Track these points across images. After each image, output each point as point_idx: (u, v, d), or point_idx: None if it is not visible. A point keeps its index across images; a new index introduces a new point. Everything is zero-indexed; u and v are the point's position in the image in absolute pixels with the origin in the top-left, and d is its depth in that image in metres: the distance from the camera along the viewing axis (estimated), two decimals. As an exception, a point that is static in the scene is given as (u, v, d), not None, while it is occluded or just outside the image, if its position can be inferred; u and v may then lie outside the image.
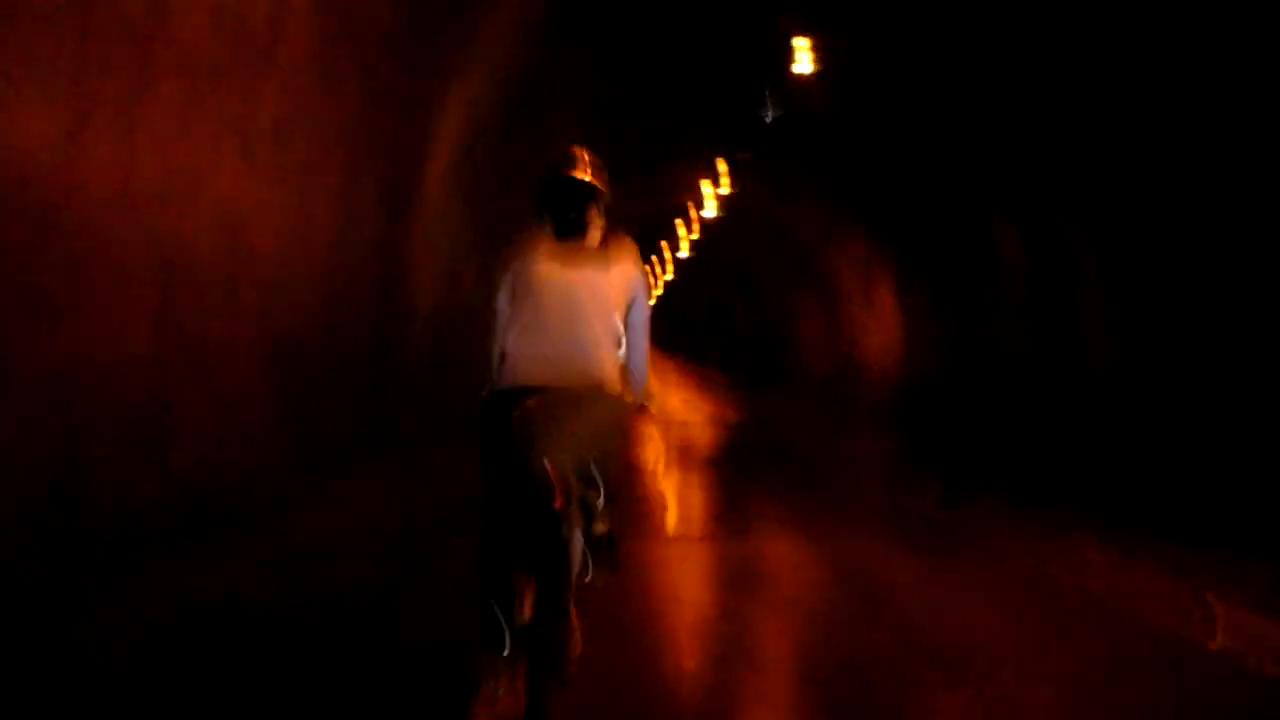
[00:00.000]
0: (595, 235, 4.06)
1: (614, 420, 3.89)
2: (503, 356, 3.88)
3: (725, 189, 22.98)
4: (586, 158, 4.10)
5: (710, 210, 25.42)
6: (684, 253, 34.21)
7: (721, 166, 22.04)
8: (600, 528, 3.81)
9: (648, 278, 4.35)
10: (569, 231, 3.99)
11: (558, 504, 3.52)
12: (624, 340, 4.03)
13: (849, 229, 22.83)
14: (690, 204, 27.04)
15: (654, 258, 40.43)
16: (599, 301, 3.89)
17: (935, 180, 16.92)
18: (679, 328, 70.76)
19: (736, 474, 12.88)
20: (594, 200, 4.05)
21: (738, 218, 27.21)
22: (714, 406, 22.60)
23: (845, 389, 25.49)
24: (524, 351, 3.81)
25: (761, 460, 14.58)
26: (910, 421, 19.19)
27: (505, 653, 3.61)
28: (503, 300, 3.99)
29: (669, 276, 43.62)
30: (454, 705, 3.74)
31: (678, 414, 21.39)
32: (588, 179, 4.04)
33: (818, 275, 27.06)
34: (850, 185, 20.43)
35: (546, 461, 3.45)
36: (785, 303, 32.16)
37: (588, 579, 3.92)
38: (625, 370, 4.07)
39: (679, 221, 31.21)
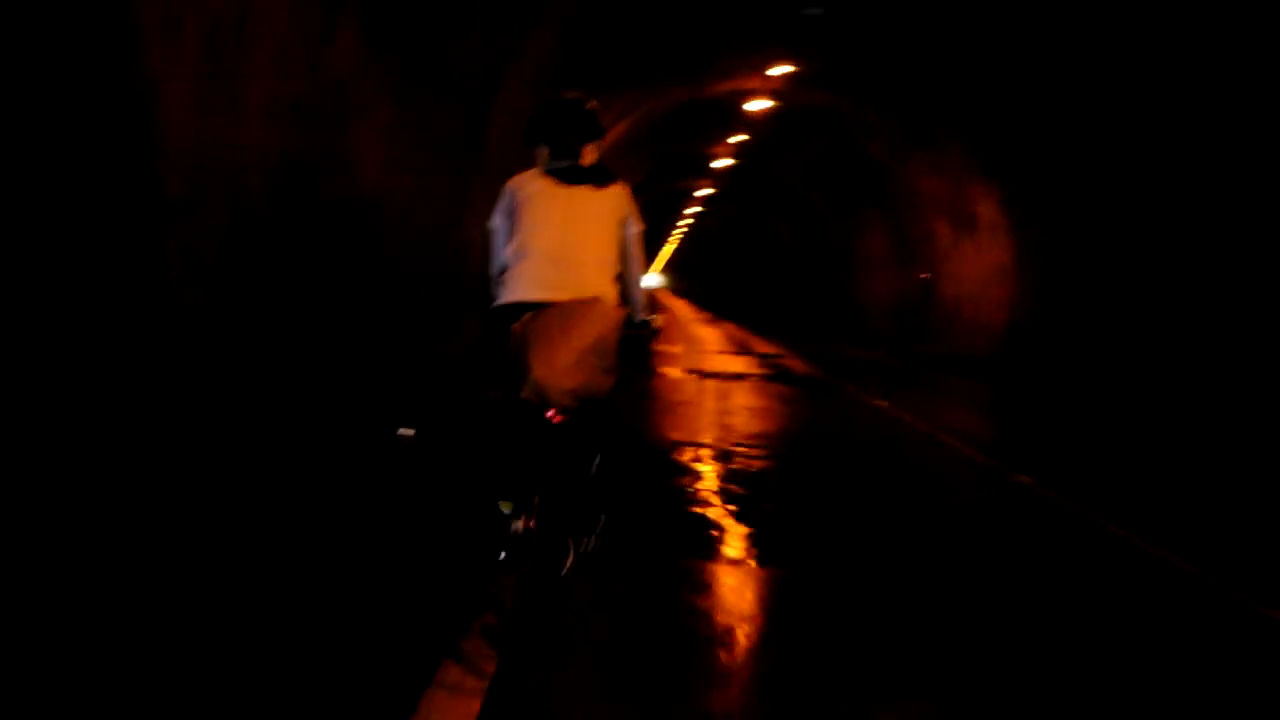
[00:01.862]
0: (590, 156, 4.09)
1: (608, 332, 3.75)
2: (502, 271, 3.94)
3: (782, 69, 17.92)
4: (577, 95, 4.18)
5: (761, 104, 20.40)
6: (722, 162, 29.21)
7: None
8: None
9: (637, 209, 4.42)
10: (564, 151, 4.04)
11: (551, 415, 3.63)
12: (627, 255, 4.12)
13: (939, 139, 17.83)
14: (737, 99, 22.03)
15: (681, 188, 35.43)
16: (594, 217, 3.94)
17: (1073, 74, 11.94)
18: (709, 265, 65.97)
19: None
20: (588, 121, 4.09)
21: (792, 121, 22.19)
22: (743, 365, 17.60)
23: (926, 341, 20.63)
24: (521, 267, 3.84)
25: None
26: (1030, 388, 14.36)
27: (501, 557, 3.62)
28: (498, 219, 4.03)
29: (705, 192, 38.49)
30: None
31: (692, 382, 15.81)
32: (575, 99, 4.12)
33: (889, 194, 22.06)
34: (938, 83, 15.50)
35: (540, 377, 3.54)
36: (846, 228, 27.15)
37: (568, 561, 3.79)
38: (624, 287, 4.16)
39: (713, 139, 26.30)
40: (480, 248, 12.12)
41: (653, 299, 63.98)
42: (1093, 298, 13.90)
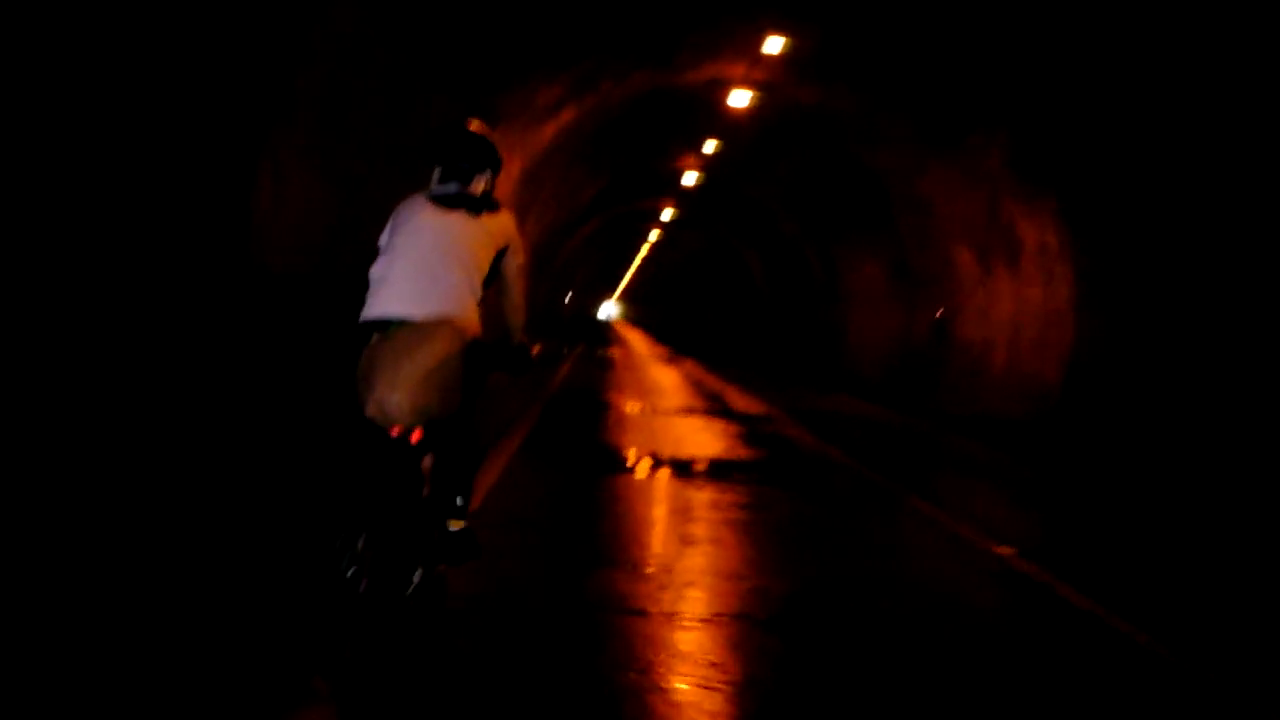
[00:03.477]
0: (478, 185, 4.13)
1: (454, 353, 3.77)
2: (369, 287, 3.97)
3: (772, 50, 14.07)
4: (478, 124, 4.27)
5: (743, 98, 16.50)
6: (691, 175, 25.26)
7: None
8: (455, 524, 4.10)
9: (522, 240, 4.43)
10: (453, 174, 4.11)
11: (395, 431, 3.66)
12: (503, 283, 4.21)
13: (968, 144, 13.97)
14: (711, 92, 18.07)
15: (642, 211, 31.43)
16: (463, 243, 3.96)
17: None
18: (670, 295, 62.01)
19: None
20: (480, 151, 4.15)
21: (776, 126, 18.30)
22: (721, 438, 10.87)
23: (937, 393, 16.67)
24: (384, 281, 3.89)
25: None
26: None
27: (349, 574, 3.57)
28: (383, 239, 4.07)
29: (669, 214, 34.55)
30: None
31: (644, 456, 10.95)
32: (476, 129, 4.21)
33: (892, 217, 18.17)
34: (974, 70, 11.67)
35: (383, 395, 3.61)
36: (832, 258, 23.24)
37: (415, 579, 3.89)
38: (502, 313, 4.28)
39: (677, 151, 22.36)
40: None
41: (606, 330, 60.08)
42: (1195, 347, 10.01)
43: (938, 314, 17.21)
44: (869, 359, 21.42)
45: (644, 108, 17.24)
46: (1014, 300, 14.46)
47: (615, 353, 30.15)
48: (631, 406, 13.81)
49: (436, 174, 4.13)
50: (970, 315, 16.01)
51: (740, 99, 16.61)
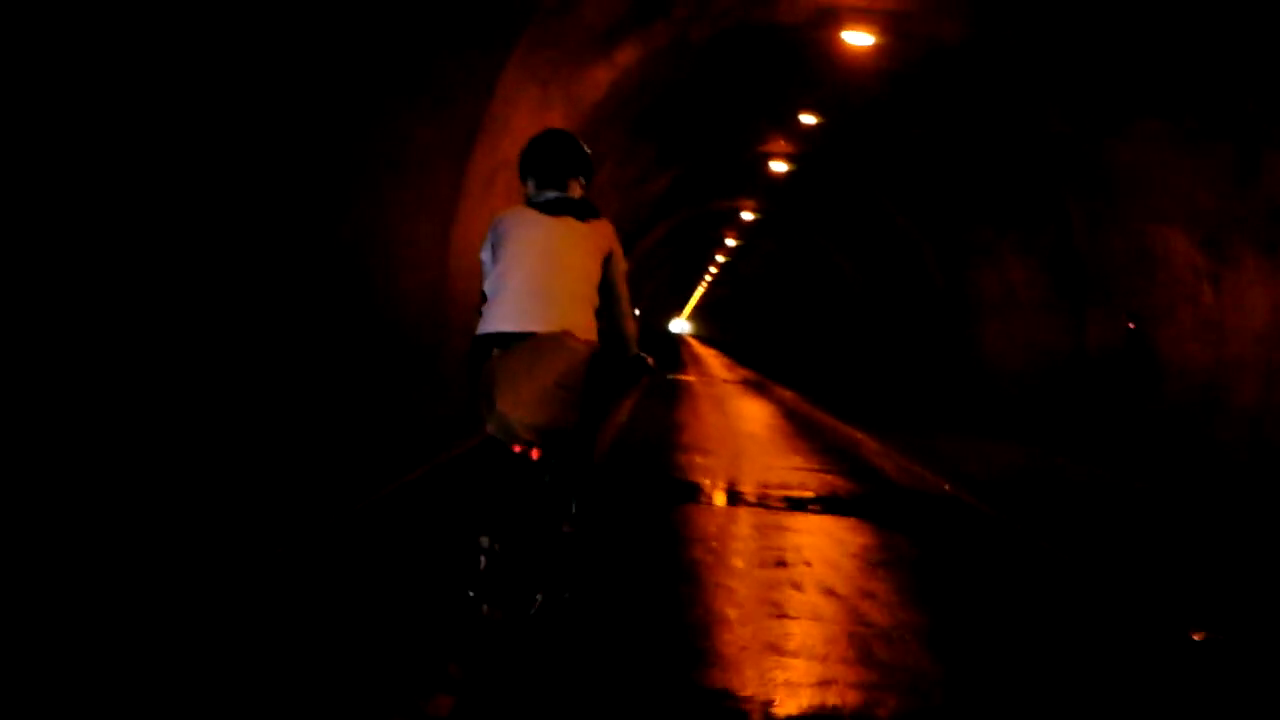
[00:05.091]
0: (576, 190, 4.10)
1: (576, 366, 3.65)
2: (483, 303, 3.95)
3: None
4: (565, 131, 4.34)
5: (862, 37, 12.32)
6: (779, 164, 20.97)
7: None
8: (565, 527, 3.92)
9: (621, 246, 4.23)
10: (550, 181, 4.07)
11: (516, 449, 3.66)
12: (612, 290, 4.09)
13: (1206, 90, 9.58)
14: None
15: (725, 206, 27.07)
16: (573, 250, 3.92)
17: None
18: (747, 310, 56.48)
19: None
20: (577, 156, 4.13)
21: (899, 79, 14.04)
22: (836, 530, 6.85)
23: (1143, 437, 12.15)
24: (499, 298, 3.85)
25: None
26: None
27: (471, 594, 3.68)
28: (485, 252, 4.04)
29: (747, 216, 30.26)
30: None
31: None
32: (566, 134, 4.26)
33: (1062, 191, 13.74)
34: None
35: (504, 411, 3.53)
36: (963, 253, 18.77)
37: (537, 599, 3.79)
38: (614, 320, 4.14)
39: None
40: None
41: (680, 345, 55.83)
42: None
43: (1129, 325, 12.73)
44: (1009, 380, 16.93)
45: (728, 53, 13.03)
46: (1273, 305, 9.99)
47: (689, 378, 25.80)
48: (721, 484, 8.33)
49: (532, 184, 4.10)
50: (1188, 325, 11.52)
51: (858, 38, 12.37)
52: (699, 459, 9.80)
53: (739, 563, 5.68)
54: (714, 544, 6.13)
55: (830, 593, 5.17)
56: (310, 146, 5.85)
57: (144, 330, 4.87)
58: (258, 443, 5.85)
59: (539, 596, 3.78)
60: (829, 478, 9.03)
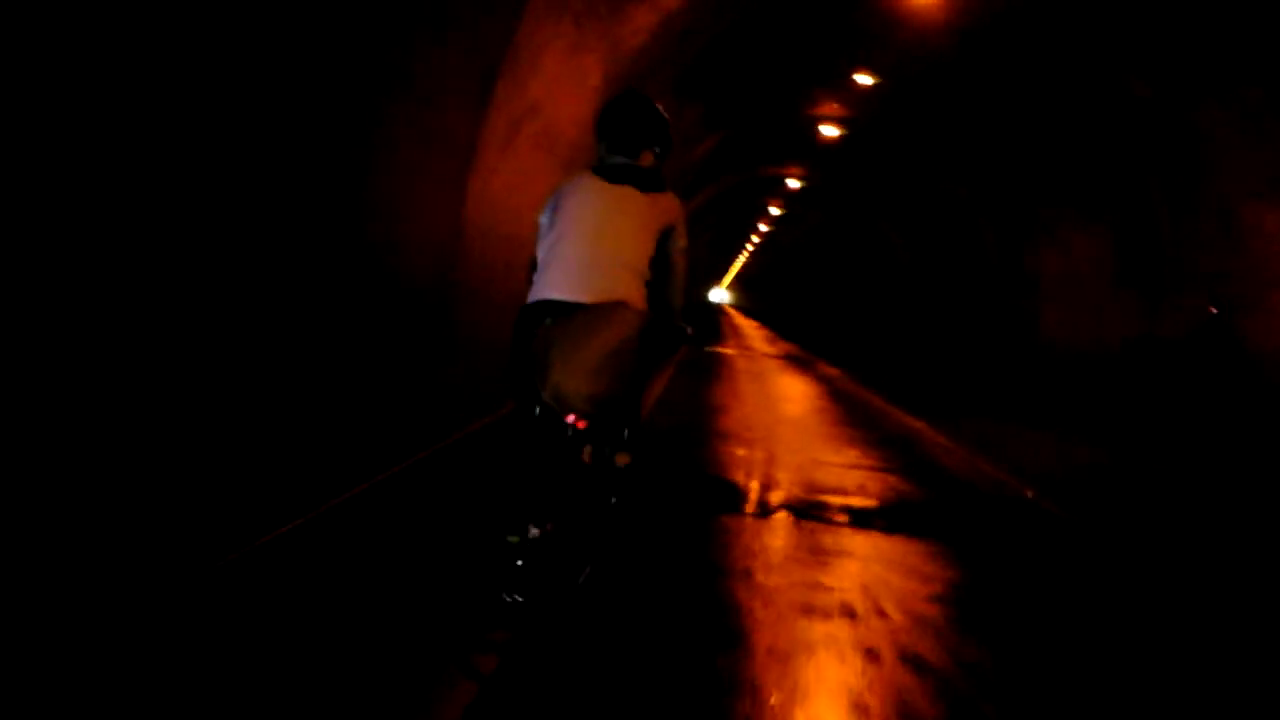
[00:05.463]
0: (647, 159, 3.96)
1: (630, 338, 3.58)
2: (535, 267, 3.84)
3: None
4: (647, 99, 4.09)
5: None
6: (830, 129, 19.85)
7: None
8: (622, 458, 3.92)
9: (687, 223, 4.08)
10: (621, 147, 3.93)
11: (571, 419, 3.60)
12: (666, 264, 3.93)
13: None
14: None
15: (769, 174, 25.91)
16: (631, 220, 3.80)
17: None
18: (789, 281, 54.97)
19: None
20: (650, 123, 3.97)
21: (969, 35, 12.94)
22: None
23: (1230, 431, 11.11)
24: (551, 264, 3.74)
25: None
26: None
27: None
28: (544, 216, 3.90)
29: (793, 184, 29.12)
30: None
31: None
32: (651, 100, 4.03)
33: (1142, 160, 12.64)
34: None
35: (557, 381, 3.48)
36: (1026, 226, 17.63)
37: (583, 576, 3.83)
38: (662, 294, 3.96)
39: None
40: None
41: (720, 316, 54.76)
42: None
43: (1210, 309, 11.66)
44: (1071, 367, 15.87)
45: (778, 2, 12.03)
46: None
47: (729, 351, 24.79)
48: (765, 486, 7.28)
49: (603, 148, 3.96)
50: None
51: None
52: (740, 451, 8.72)
53: (792, 612, 4.50)
54: (759, 577, 4.96)
55: (919, 665, 3.99)
56: (280, 58, 4.96)
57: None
58: (226, 425, 5.01)
59: (588, 568, 3.85)
60: (891, 479, 7.92)
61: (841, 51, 14.62)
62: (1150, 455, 10.72)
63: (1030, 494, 7.81)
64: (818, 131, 20.19)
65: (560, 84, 8.94)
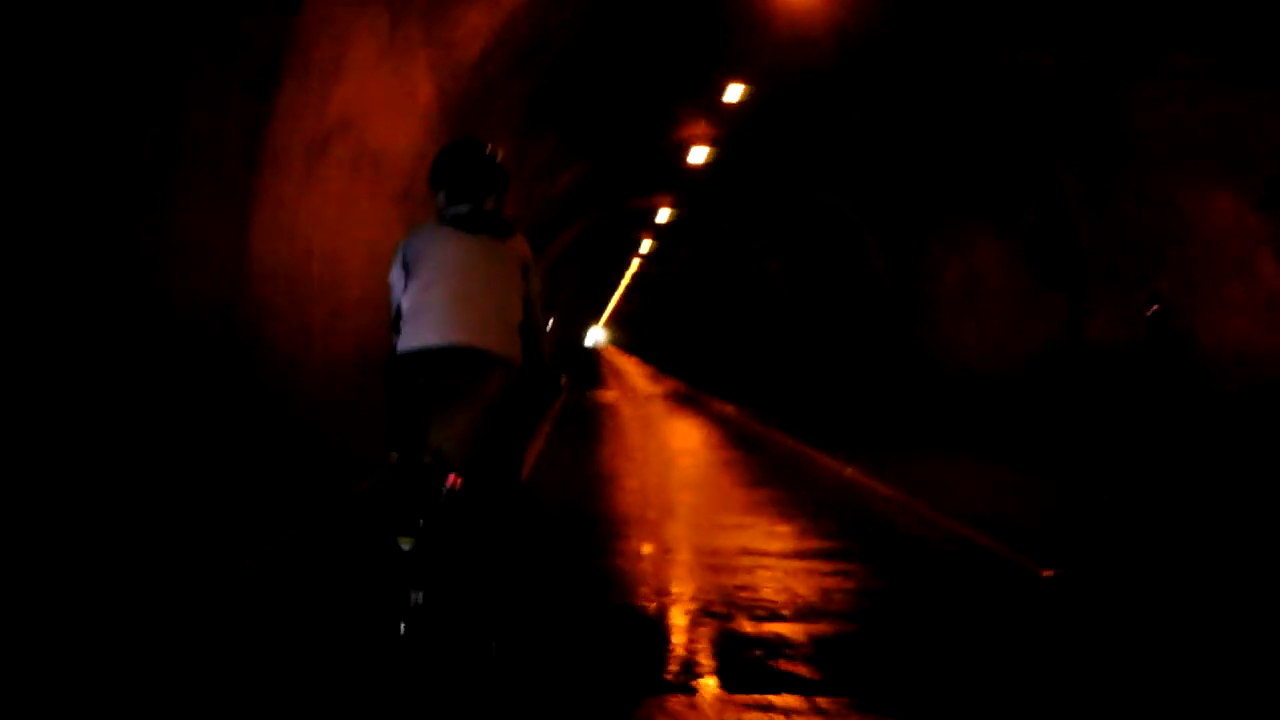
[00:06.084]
0: (490, 205, 3.95)
1: (506, 390, 3.62)
2: (400, 316, 3.77)
3: None
4: (481, 142, 4.12)
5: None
6: (699, 150, 18.35)
7: None
8: (500, 519, 3.75)
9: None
10: (463, 195, 3.90)
11: (450, 481, 3.48)
12: (528, 308, 3.93)
13: None
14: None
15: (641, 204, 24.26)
16: (494, 266, 3.80)
17: None
18: (666, 314, 52.64)
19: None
20: (489, 168, 3.96)
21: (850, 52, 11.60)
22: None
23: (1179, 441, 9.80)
24: (421, 312, 3.68)
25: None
26: None
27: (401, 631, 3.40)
28: (395, 273, 3.83)
29: (663, 217, 27.65)
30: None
31: None
32: (481, 146, 4.06)
33: (1051, 155, 11.39)
34: None
35: (436, 440, 3.42)
36: (918, 241, 16.36)
37: (492, 646, 3.67)
38: (531, 339, 3.94)
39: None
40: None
41: (596, 360, 52.95)
42: None
43: (1149, 308, 10.41)
44: (981, 387, 14.59)
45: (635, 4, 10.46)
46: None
47: (611, 396, 23.02)
48: (690, 612, 5.11)
49: (442, 197, 3.94)
50: (1238, 303, 9.23)
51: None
52: (644, 547, 6.68)
53: None
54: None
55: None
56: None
57: None
58: None
59: (494, 643, 3.69)
60: (851, 570, 6.00)
61: (710, 58, 13.15)
62: (1109, 482, 9.34)
63: (1047, 574, 6.11)
64: (686, 156, 18.71)
65: (380, 96, 7.14)
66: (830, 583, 5.79)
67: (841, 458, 10.97)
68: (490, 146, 4.04)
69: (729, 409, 18.42)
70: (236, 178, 5.29)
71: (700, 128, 17.09)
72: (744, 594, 5.52)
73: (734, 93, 14.24)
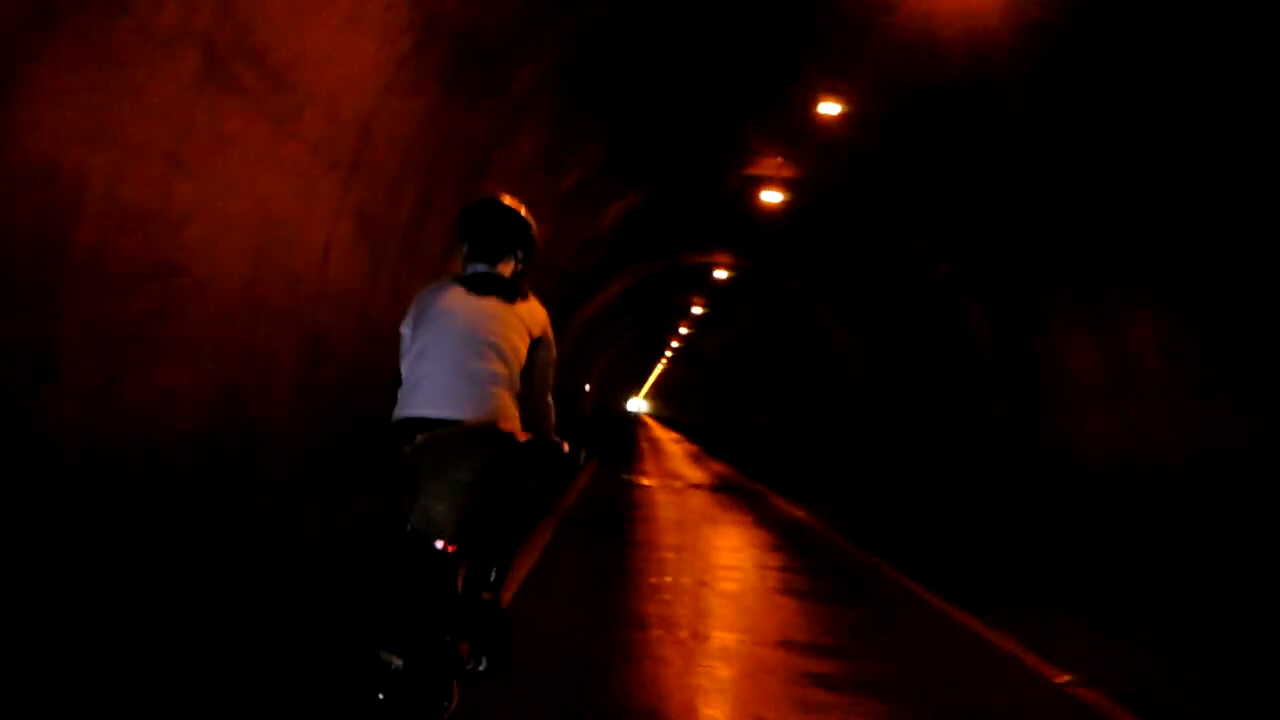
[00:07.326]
0: (507, 267, 3.92)
1: (503, 459, 3.54)
2: (399, 382, 3.72)
3: None
4: (512, 200, 4.02)
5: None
6: (774, 195, 15.43)
7: None
8: (488, 595, 3.76)
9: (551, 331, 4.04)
10: (483, 253, 3.88)
11: (440, 545, 3.40)
12: (530, 378, 3.85)
13: None
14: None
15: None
16: (502, 335, 3.70)
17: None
18: (713, 389, 48.51)
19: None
20: (513, 227, 3.93)
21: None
22: None
23: None
24: (418, 380, 3.62)
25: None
26: None
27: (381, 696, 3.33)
28: (406, 326, 3.80)
29: (720, 274, 24.70)
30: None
31: None
32: (510, 204, 3.98)
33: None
34: None
35: (426, 507, 3.38)
36: (1041, 307, 13.18)
37: (480, 667, 3.75)
38: (536, 409, 3.91)
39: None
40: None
41: (634, 429, 49.72)
42: None
43: None
44: (1123, 502, 11.34)
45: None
46: None
47: (646, 480, 19.53)
48: None
49: (464, 252, 3.92)
50: None
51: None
52: None
53: None
54: None
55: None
56: None
57: None
58: None
59: (454, 700, 3.65)
60: None
61: (795, 62, 10.28)
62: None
63: None
64: (756, 195, 15.79)
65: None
66: None
67: (998, 625, 7.39)
68: (514, 202, 3.94)
69: (799, 513, 14.96)
70: None
71: (770, 162, 14.22)
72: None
73: (828, 109, 11.32)
